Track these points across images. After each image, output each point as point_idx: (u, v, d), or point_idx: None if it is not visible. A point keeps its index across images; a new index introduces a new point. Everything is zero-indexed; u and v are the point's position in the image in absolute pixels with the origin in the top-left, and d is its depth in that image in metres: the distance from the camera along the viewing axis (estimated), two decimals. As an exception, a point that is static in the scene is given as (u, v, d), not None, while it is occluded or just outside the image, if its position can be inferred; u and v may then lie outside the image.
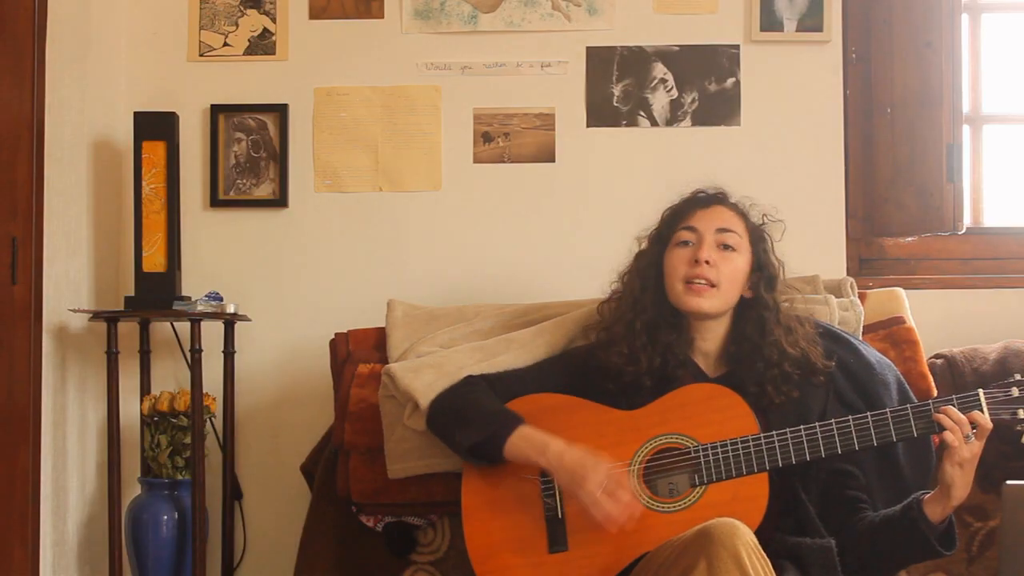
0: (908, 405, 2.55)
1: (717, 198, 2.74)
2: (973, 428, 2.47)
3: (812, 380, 2.67)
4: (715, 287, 2.65)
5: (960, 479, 2.45)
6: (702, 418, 2.60)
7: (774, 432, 2.55)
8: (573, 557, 2.59)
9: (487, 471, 2.69)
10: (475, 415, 2.69)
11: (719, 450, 2.55)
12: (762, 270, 2.71)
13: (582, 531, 2.59)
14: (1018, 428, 2.52)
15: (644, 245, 2.79)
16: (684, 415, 2.61)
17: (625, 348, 2.69)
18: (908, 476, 2.68)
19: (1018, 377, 2.54)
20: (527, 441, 2.61)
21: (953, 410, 2.48)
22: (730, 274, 2.66)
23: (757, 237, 2.73)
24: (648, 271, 2.73)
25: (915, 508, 2.50)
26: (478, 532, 2.66)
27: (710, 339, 2.72)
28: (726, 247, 2.67)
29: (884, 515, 2.57)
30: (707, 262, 2.64)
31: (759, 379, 2.64)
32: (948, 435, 2.46)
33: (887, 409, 2.56)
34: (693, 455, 2.58)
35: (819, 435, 2.54)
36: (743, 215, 2.74)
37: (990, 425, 2.47)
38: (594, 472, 2.52)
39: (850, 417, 2.55)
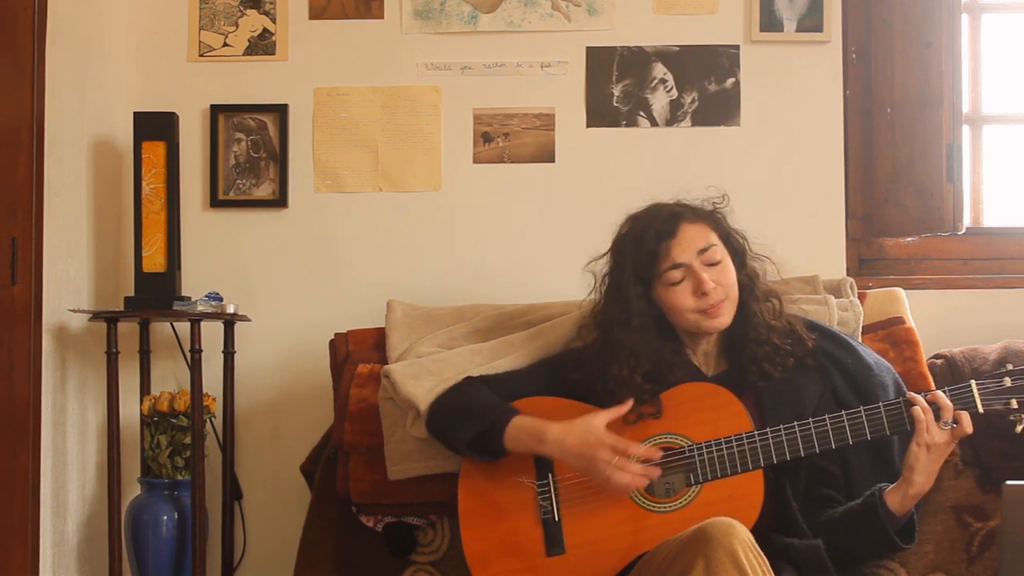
0: (900, 398, 2.58)
1: (678, 218, 2.67)
2: (955, 422, 2.50)
3: (806, 363, 2.69)
4: (725, 300, 2.65)
5: (923, 463, 2.49)
6: (696, 417, 2.61)
7: (768, 430, 2.56)
8: (571, 560, 2.60)
9: (482, 476, 2.70)
10: (472, 410, 2.70)
11: (713, 449, 2.56)
12: (734, 253, 2.70)
13: (579, 533, 2.59)
14: (1011, 418, 2.53)
15: (611, 278, 2.72)
16: (678, 414, 2.62)
17: (606, 386, 2.66)
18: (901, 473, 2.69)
19: (1010, 367, 2.55)
20: (523, 431, 2.61)
21: (920, 398, 2.53)
22: (729, 282, 2.66)
23: (721, 229, 2.71)
24: (626, 313, 2.66)
25: (875, 495, 2.54)
26: (475, 538, 2.67)
27: (709, 340, 2.72)
28: (713, 263, 2.65)
29: (845, 508, 2.60)
30: (712, 288, 2.63)
31: (754, 357, 2.65)
32: (917, 410, 2.50)
33: (880, 403, 2.57)
34: (688, 454, 2.58)
35: (813, 431, 2.55)
36: (703, 216, 2.70)
37: (950, 407, 2.50)
38: (600, 451, 2.52)
39: (843, 412, 2.56)
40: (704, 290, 2.61)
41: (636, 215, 2.74)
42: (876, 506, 2.51)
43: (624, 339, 2.66)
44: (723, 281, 2.64)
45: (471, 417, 2.68)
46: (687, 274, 2.63)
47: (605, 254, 2.76)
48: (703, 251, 2.64)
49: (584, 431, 2.55)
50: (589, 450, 2.53)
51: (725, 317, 2.65)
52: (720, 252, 2.66)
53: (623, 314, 2.67)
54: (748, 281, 2.70)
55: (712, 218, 2.71)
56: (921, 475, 2.49)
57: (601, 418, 2.56)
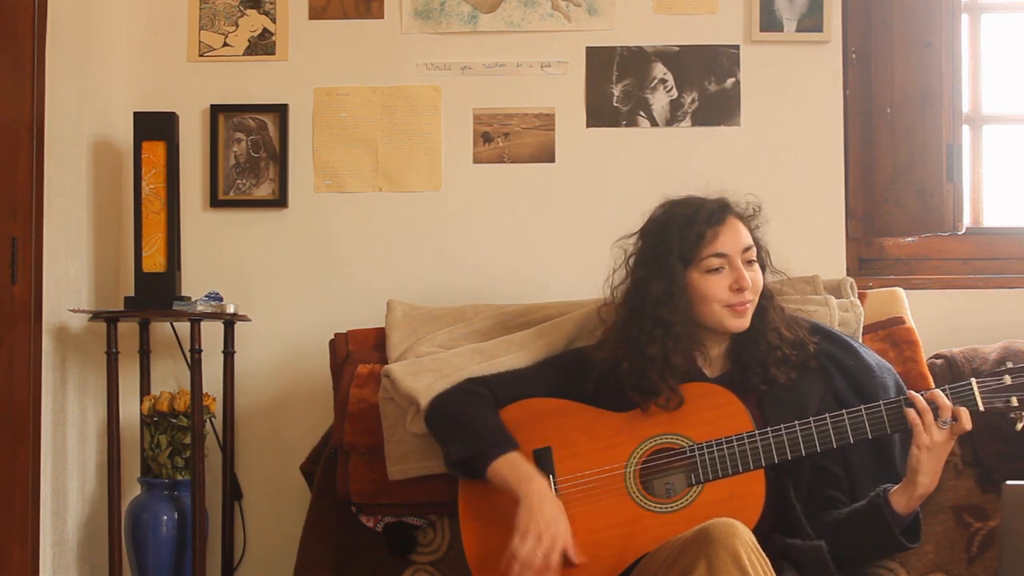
0: (900, 397, 2.58)
1: (728, 209, 2.70)
2: (954, 419, 2.50)
3: (808, 365, 2.70)
4: (752, 302, 2.67)
5: (926, 464, 2.49)
6: (697, 417, 2.61)
7: (768, 429, 2.56)
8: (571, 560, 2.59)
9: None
10: (467, 429, 2.68)
11: (714, 449, 2.56)
12: (761, 262, 2.73)
13: (580, 534, 2.58)
14: (1011, 416, 2.53)
15: (651, 256, 2.70)
16: (679, 415, 2.62)
17: (634, 365, 2.66)
18: (902, 473, 2.69)
19: (1010, 365, 2.55)
20: (513, 468, 2.59)
21: (919, 397, 2.53)
22: (759, 285, 2.69)
23: (754, 236, 2.73)
24: (670, 292, 2.65)
25: (880, 496, 2.54)
26: (476, 540, 2.66)
27: (720, 344, 2.73)
28: (751, 262, 2.68)
29: (850, 509, 2.61)
30: (748, 287, 2.65)
31: (762, 360, 2.66)
32: (911, 413, 2.51)
33: (880, 402, 2.58)
34: (689, 454, 2.58)
35: (813, 430, 2.55)
36: (745, 218, 2.73)
37: (949, 406, 2.50)
38: (541, 539, 2.49)
39: (844, 411, 2.57)
40: (742, 286, 2.63)
41: (677, 200, 2.74)
42: (881, 507, 2.52)
43: (665, 317, 2.64)
44: (756, 283, 2.68)
45: (461, 438, 2.67)
46: (727, 265, 2.65)
47: (635, 234, 2.76)
48: (746, 249, 2.67)
49: (558, 516, 2.52)
50: (537, 528, 2.49)
51: (747, 319, 2.66)
52: (755, 254, 2.70)
53: (668, 293, 2.65)
54: (769, 292, 2.73)
55: (750, 223, 2.74)
56: (925, 476, 2.50)
57: (568, 531, 2.53)
